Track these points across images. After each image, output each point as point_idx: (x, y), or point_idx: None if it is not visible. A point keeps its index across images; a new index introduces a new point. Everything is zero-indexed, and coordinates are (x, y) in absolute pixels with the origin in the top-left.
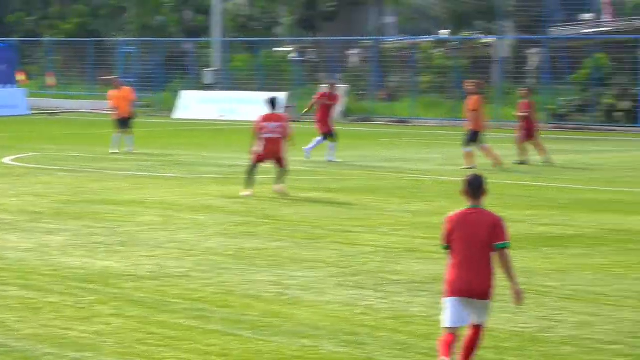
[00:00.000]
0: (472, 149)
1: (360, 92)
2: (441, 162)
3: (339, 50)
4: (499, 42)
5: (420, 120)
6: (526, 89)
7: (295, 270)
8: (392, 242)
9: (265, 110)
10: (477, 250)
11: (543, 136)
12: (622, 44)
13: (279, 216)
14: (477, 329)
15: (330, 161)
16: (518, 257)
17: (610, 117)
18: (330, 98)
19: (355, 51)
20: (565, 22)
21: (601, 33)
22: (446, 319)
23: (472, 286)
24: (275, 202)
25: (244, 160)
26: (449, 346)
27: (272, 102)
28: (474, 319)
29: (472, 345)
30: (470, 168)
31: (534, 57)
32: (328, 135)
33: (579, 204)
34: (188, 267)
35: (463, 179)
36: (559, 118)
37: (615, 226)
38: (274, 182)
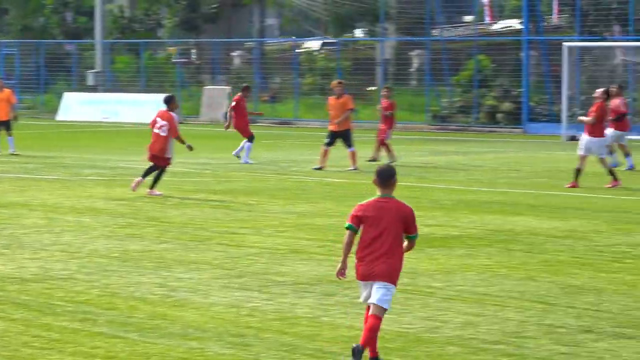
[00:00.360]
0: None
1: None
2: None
3: (221, 52)
4: (382, 44)
5: (303, 122)
6: (387, 88)
7: (181, 272)
8: (276, 244)
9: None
10: (385, 237)
11: (426, 137)
12: (504, 45)
13: (165, 218)
14: (379, 315)
15: (246, 162)
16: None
17: (492, 118)
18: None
19: (238, 53)
20: (447, 24)
21: (482, 34)
22: (362, 298)
23: (375, 270)
24: (161, 203)
25: (128, 162)
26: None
27: (165, 100)
28: (378, 302)
29: (376, 326)
30: (354, 169)
31: (416, 58)
32: (251, 137)
33: (462, 205)
34: (73, 270)
35: (375, 169)
36: (441, 119)
37: (498, 226)
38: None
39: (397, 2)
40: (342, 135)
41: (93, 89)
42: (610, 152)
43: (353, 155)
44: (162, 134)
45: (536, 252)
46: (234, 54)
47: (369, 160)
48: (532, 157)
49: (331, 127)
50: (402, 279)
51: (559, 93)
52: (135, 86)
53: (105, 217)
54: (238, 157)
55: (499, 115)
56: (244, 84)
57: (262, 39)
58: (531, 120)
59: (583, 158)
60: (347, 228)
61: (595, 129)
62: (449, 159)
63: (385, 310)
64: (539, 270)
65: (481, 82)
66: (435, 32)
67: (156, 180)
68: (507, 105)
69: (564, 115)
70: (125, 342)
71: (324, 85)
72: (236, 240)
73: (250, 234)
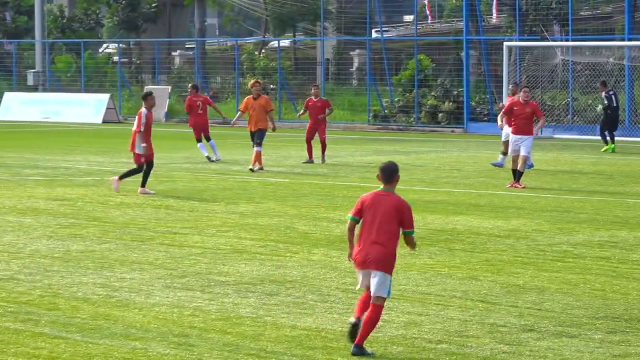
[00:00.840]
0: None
1: (184, 94)
2: (267, 163)
3: (162, 52)
4: (322, 44)
5: (244, 121)
6: (316, 86)
7: (123, 272)
8: (219, 244)
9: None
10: (380, 227)
11: (368, 137)
12: (444, 45)
13: (107, 218)
14: (378, 304)
15: (217, 159)
16: (345, 258)
17: (433, 118)
18: (205, 101)
19: (179, 52)
20: (388, 24)
21: (423, 34)
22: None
23: (370, 257)
24: (103, 204)
25: (69, 162)
26: (363, 303)
27: (142, 96)
28: (376, 291)
29: (374, 318)
30: (260, 169)
31: (357, 58)
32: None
33: None
34: (15, 270)
35: (380, 165)
36: (382, 119)
37: (440, 226)
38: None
39: (337, 1)
40: (255, 134)
41: (33, 88)
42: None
43: (258, 155)
44: (133, 129)
45: (478, 251)
46: (174, 53)
47: (305, 162)
48: (474, 157)
49: (248, 127)
50: (345, 279)
51: (500, 92)
52: (76, 86)
53: (47, 217)
54: (210, 159)
55: (440, 115)
56: (191, 84)
57: (202, 39)
58: (472, 119)
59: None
60: (349, 219)
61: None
62: (390, 158)
63: (385, 298)
64: (481, 269)
65: (422, 82)
66: (375, 31)
67: (145, 175)
68: (448, 105)
69: None
70: (68, 343)
71: (265, 84)
72: (178, 240)
73: (193, 234)
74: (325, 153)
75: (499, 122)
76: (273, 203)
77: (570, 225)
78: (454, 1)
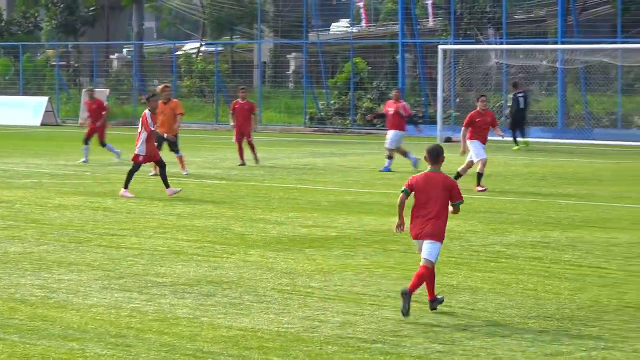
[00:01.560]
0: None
1: (122, 97)
2: (204, 165)
3: (100, 55)
4: (259, 47)
5: (182, 124)
6: (244, 89)
7: (61, 274)
8: (156, 245)
9: None
10: (432, 203)
11: (304, 139)
12: (379, 48)
13: (45, 220)
14: (429, 266)
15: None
16: (281, 259)
17: (369, 120)
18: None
19: (117, 55)
20: (324, 28)
21: (358, 37)
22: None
23: (425, 230)
24: (41, 206)
25: (7, 164)
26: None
27: (147, 97)
28: (427, 256)
29: (430, 276)
30: (186, 173)
31: (294, 61)
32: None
33: (340, 206)
34: None
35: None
36: (319, 121)
37: (375, 227)
38: None
39: (274, 5)
40: (169, 141)
41: None
42: (391, 157)
43: (181, 159)
44: (138, 131)
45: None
46: (112, 56)
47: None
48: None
49: (162, 131)
50: (281, 279)
51: (435, 95)
52: (14, 89)
53: None
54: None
55: (419, 117)
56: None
57: (140, 42)
58: (407, 121)
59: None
60: (402, 191)
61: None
62: (327, 160)
63: (433, 262)
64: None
65: (358, 85)
66: (312, 35)
67: (163, 176)
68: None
69: (439, 116)
70: (5, 344)
71: (203, 87)
72: (116, 242)
73: (130, 235)
74: (257, 153)
75: (464, 147)
76: (210, 205)
77: (503, 226)
78: (389, 5)
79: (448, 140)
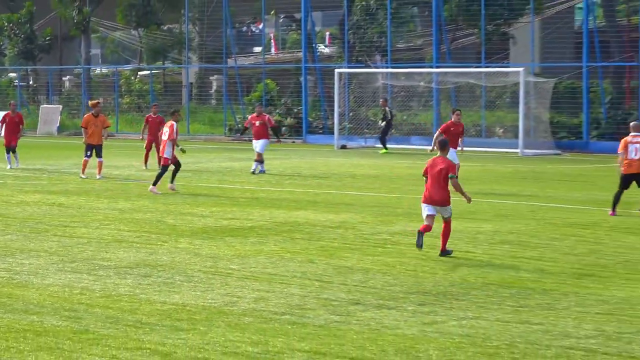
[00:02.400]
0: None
1: (73, 112)
2: (140, 168)
3: (55, 77)
4: (187, 70)
5: (123, 134)
6: (156, 105)
7: (23, 259)
8: (102, 235)
9: None
10: (439, 178)
11: (224, 147)
12: (286, 71)
13: (9, 214)
14: (447, 221)
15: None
16: (206, 246)
17: (278, 131)
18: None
19: (68, 77)
20: (240, 54)
21: (269, 62)
22: (423, 214)
23: (434, 198)
24: (6, 202)
25: None
26: (424, 229)
27: (170, 113)
28: (443, 215)
29: (447, 232)
30: (85, 177)
31: (215, 82)
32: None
33: (255, 202)
34: None
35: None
36: (236, 132)
37: (284, 219)
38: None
39: (199, 35)
40: (96, 147)
41: None
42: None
43: (101, 165)
44: (164, 137)
45: (315, 239)
46: (65, 78)
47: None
48: (311, 162)
49: (90, 141)
50: (206, 263)
51: (332, 110)
52: None
53: None
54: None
55: (284, 129)
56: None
57: (88, 66)
58: (310, 132)
59: None
60: (423, 175)
61: None
62: (243, 164)
63: (450, 217)
64: (317, 254)
65: (269, 101)
66: (230, 60)
67: (174, 173)
68: (290, 120)
69: (336, 128)
70: None
71: (140, 104)
72: (69, 232)
73: (80, 226)
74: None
75: (434, 146)
76: (146, 201)
77: (389, 218)
78: (294, 36)
79: (343, 147)
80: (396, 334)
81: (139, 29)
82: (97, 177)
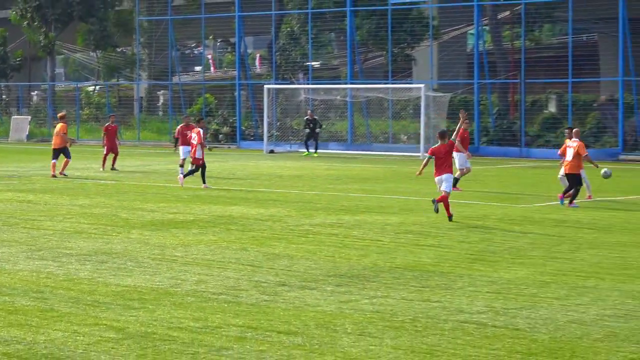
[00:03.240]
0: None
1: (40, 122)
2: (99, 170)
3: (24, 92)
4: (137, 86)
5: (84, 141)
6: (113, 115)
7: None
8: (65, 227)
9: None
10: (443, 160)
11: (170, 152)
12: (223, 87)
13: None
14: (446, 194)
15: None
16: (154, 236)
17: (216, 138)
18: None
19: (36, 92)
20: (184, 72)
21: (208, 79)
22: (438, 187)
23: (441, 173)
24: None
25: None
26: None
27: (196, 120)
28: (444, 188)
29: (446, 201)
30: (62, 175)
31: (162, 96)
32: None
33: (196, 198)
34: None
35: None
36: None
37: (221, 213)
38: None
39: (148, 56)
40: (62, 150)
41: None
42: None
43: (67, 164)
44: (193, 142)
45: (247, 230)
46: (33, 93)
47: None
48: (245, 165)
49: (54, 147)
50: (154, 251)
51: (262, 120)
52: None
53: None
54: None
55: (221, 136)
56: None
57: (53, 82)
58: (243, 139)
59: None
60: (428, 157)
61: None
62: (186, 166)
63: (449, 192)
64: (249, 243)
65: (208, 113)
66: (175, 77)
67: (202, 175)
68: (226, 129)
69: (265, 135)
70: None
71: (98, 115)
72: (36, 225)
73: (46, 220)
74: (116, 164)
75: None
76: (103, 198)
77: (310, 211)
78: (229, 57)
79: (272, 152)
80: (317, 311)
81: (97, 51)
82: (65, 174)
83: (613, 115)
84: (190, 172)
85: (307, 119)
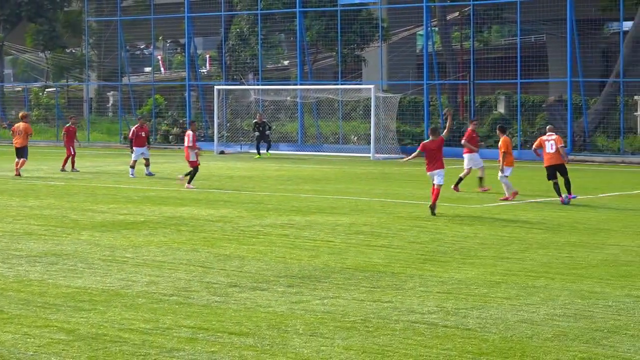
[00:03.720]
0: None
1: None
2: (50, 171)
3: None
4: (87, 87)
5: (34, 142)
6: (74, 117)
7: None
8: (15, 228)
9: None
10: (435, 154)
11: (119, 153)
12: (173, 88)
13: None
14: (439, 187)
15: None
16: (104, 237)
17: (166, 139)
18: None
19: None
20: (133, 73)
21: (158, 80)
22: (432, 180)
23: (434, 168)
24: None
25: None
26: (433, 193)
27: (187, 123)
28: (437, 182)
29: (437, 193)
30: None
31: (112, 97)
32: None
33: (146, 199)
34: None
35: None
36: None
37: (172, 214)
38: None
39: (97, 57)
40: (22, 150)
41: None
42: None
43: (23, 163)
44: (185, 144)
45: (198, 231)
46: None
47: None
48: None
49: (16, 145)
50: (104, 252)
51: (212, 121)
52: None
53: None
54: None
55: (171, 137)
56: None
57: (1, 84)
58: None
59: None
60: (418, 152)
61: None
62: (136, 168)
63: (441, 184)
64: (200, 244)
65: (158, 114)
66: (125, 78)
67: (190, 176)
68: (176, 130)
69: (216, 136)
70: None
71: (47, 116)
72: None
73: None
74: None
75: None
76: (53, 199)
77: (261, 212)
78: (179, 57)
79: (222, 153)
80: (268, 312)
81: (46, 52)
82: (16, 174)
83: (562, 116)
84: (192, 176)
85: (255, 122)
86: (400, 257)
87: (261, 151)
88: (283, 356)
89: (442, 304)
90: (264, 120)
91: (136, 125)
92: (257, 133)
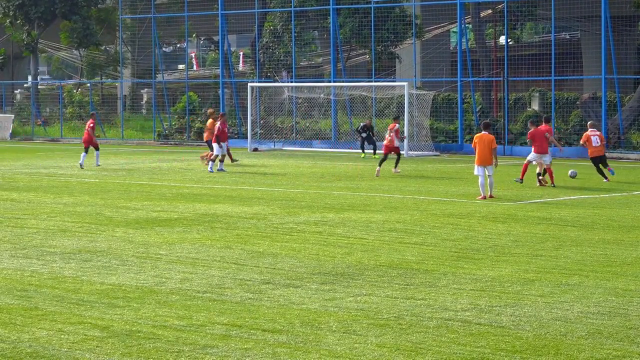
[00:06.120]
0: None
1: (23, 120)
2: (83, 169)
3: (8, 90)
4: (121, 84)
5: (67, 139)
6: (93, 114)
7: None
8: (49, 225)
9: None
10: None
11: (154, 150)
12: (207, 85)
13: None
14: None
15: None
16: (138, 234)
17: (200, 137)
18: None
19: (19, 90)
20: (167, 70)
21: (192, 78)
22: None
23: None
24: None
25: None
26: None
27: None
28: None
29: (550, 173)
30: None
31: (146, 94)
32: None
33: (180, 197)
34: None
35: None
36: (164, 137)
37: (205, 211)
38: None
39: (131, 54)
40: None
41: None
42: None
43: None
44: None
45: (232, 228)
46: (16, 91)
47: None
48: (228, 163)
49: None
50: (138, 249)
51: (246, 118)
52: None
53: None
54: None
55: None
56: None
57: (36, 81)
58: (228, 137)
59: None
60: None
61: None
62: (170, 165)
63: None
64: (233, 241)
65: (191, 111)
66: (159, 76)
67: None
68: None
69: (249, 133)
70: None
71: (81, 113)
72: (20, 224)
73: (30, 218)
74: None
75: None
76: (87, 196)
77: (295, 209)
78: (213, 55)
79: (255, 150)
80: (301, 309)
81: (80, 49)
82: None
83: (596, 113)
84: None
85: (364, 125)
86: (434, 254)
87: (366, 150)
88: (316, 353)
89: (475, 302)
90: (372, 125)
91: (221, 121)
92: (364, 134)
